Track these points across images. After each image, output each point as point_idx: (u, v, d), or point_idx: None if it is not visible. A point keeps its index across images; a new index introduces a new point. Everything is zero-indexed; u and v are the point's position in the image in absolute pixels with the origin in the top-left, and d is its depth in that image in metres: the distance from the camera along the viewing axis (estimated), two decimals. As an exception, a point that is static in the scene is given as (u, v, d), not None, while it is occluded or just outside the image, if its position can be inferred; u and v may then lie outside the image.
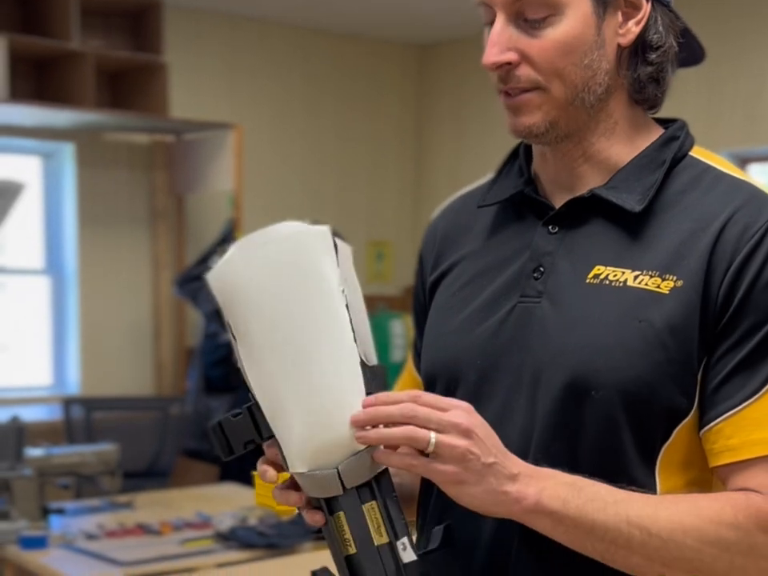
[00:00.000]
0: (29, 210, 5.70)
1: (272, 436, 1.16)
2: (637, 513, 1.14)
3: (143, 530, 3.53)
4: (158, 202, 5.94)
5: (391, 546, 1.15)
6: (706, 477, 1.23)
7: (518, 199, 1.36)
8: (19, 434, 3.63)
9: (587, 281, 1.26)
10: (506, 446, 1.17)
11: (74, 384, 5.81)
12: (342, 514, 1.16)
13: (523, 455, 1.19)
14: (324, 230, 1.17)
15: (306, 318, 1.14)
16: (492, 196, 1.39)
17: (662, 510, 1.15)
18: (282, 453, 1.15)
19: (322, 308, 1.14)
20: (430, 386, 1.37)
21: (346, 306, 1.15)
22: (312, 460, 1.14)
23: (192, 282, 5.39)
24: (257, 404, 1.16)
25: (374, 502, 1.15)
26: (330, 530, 1.17)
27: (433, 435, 1.10)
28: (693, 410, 1.21)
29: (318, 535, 1.19)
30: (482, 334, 1.31)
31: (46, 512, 3.63)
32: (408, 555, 1.15)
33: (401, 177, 6.95)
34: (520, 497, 1.13)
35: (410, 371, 1.50)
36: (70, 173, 5.75)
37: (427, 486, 1.35)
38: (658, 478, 1.21)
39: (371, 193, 6.84)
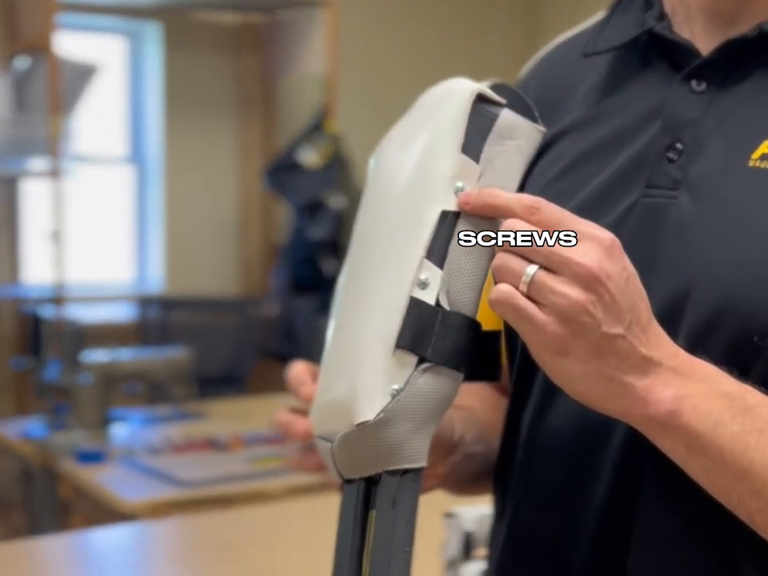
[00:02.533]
0: (112, 94, 5.49)
1: None
2: None
3: (211, 444, 3.26)
4: (246, 87, 5.73)
5: None
6: None
7: (644, 43, 0.94)
8: (77, 337, 3.37)
9: (750, 163, 0.85)
10: (606, 431, 0.85)
11: (155, 281, 5.62)
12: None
13: (635, 452, 0.85)
14: (468, 89, 0.87)
15: (391, 218, 0.86)
16: (605, 40, 0.97)
17: None
18: None
19: (409, 205, 0.85)
20: (510, 340, 0.99)
21: (448, 214, 0.82)
22: (318, 419, 0.89)
23: (282, 172, 5.11)
24: None
25: (373, 513, 0.80)
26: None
27: (532, 268, 0.75)
28: None
29: None
30: None
31: (108, 422, 3.37)
32: None
33: (508, 55, 6.42)
34: (649, 397, 0.77)
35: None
36: (156, 55, 5.54)
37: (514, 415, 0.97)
38: None
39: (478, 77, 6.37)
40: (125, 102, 5.60)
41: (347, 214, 4.78)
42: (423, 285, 0.80)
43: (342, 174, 4.95)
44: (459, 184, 0.83)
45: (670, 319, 0.83)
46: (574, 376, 0.76)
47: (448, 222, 0.81)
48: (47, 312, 4.53)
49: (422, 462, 0.81)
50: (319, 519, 1.67)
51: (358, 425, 0.79)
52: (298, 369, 0.94)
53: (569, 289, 0.74)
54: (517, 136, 0.88)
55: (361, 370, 0.81)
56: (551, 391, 0.90)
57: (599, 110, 0.96)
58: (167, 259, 5.57)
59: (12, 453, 3.91)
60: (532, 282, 0.74)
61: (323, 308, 4.32)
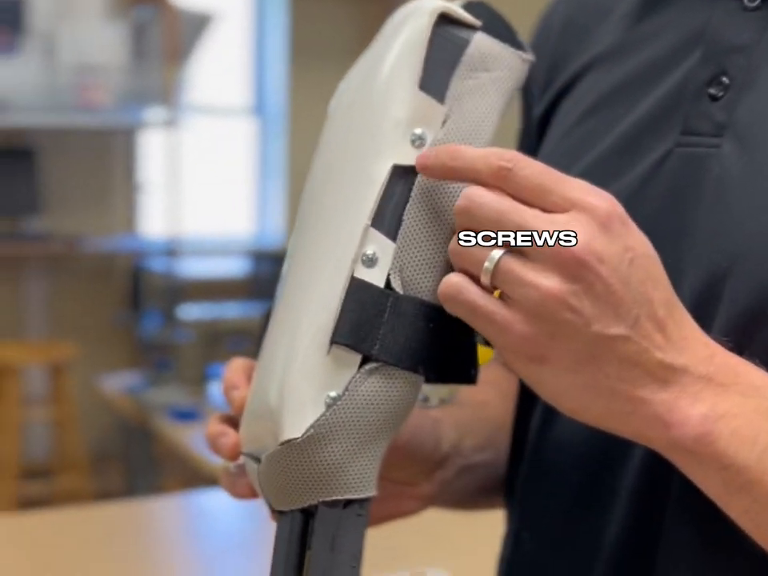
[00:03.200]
0: (235, 44, 5.40)
1: None
2: None
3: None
4: (372, 34, 5.26)
5: None
6: None
7: None
8: (178, 291, 3.30)
9: None
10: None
11: (275, 236, 5.50)
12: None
13: (660, 458, 0.63)
14: (429, 7, 0.67)
15: (338, 175, 0.67)
16: None
17: None
18: None
19: (356, 158, 0.65)
20: None
21: (403, 169, 0.63)
22: (246, 432, 0.68)
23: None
24: None
25: (307, 554, 0.62)
26: None
27: (497, 253, 0.57)
28: None
29: None
30: None
31: (207, 379, 3.31)
32: None
33: None
34: (670, 417, 0.58)
35: None
36: (280, 2, 5.44)
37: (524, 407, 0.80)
38: None
39: None
40: (248, 51, 5.52)
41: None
42: (369, 261, 0.61)
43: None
44: (418, 131, 0.63)
45: (703, 307, 0.65)
46: (561, 389, 0.58)
47: (402, 180, 0.62)
48: (160, 265, 4.49)
49: (368, 492, 0.62)
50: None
51: (283, 443, 0.60)
52: (233, 367, 0.74)
53: (542, 277, 0.55)
54: (493, 67, 0.67)
55: (291, 372, 0.62)
56: None
57: (631, 38, 0.77)
58: (288, 214, 5.49)
59: (111, 408, 3.89)
60: (496, 270, 0.56)
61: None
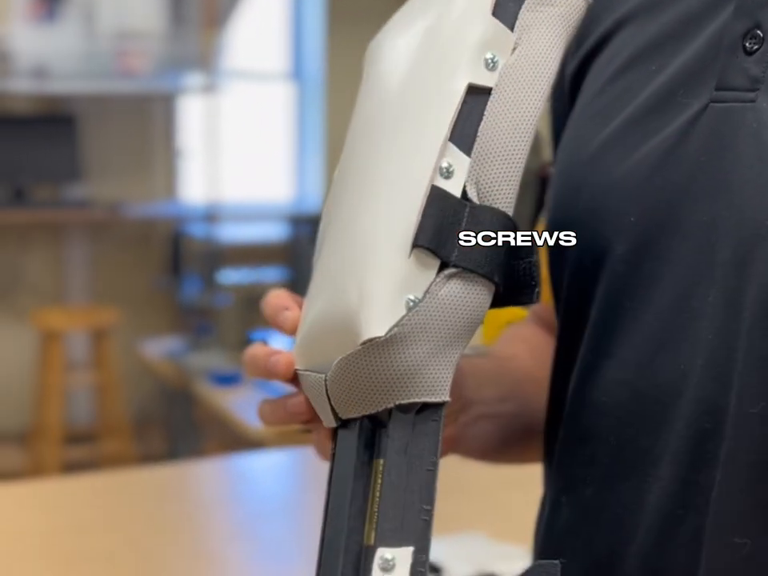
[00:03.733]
0: (273, 9, 5.39)
1: None
2: None
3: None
4: None
5: (366, 556, 0.59)
6: None
7: None
8: (218, 256, 3.32)
9: None
10: (670, 400, 0.66)
11: (313, 201, 5.51)
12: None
13: (706, 423, 0.65)
14: None
15: (401, 100, 0.69)
16: None
17: None
18: None
19: (425, 80, 0.68)
20: (554, 266, 0.81)
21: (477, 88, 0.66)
22: (307, 348, 0.68)
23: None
24: None
25: (380, 462, 0.62)
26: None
27: None
28: None
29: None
30: (642, 164, 0.71)
31: (249, 343, 3.32)
32: None
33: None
34: None
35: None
36: None
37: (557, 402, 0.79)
38: None
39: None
40: (286, 16, 5.48)
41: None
42: (446, 173, 0.63)
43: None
44: (489, 54, 0.65)
45: (744, 258, 0.64)
46: None
47: (477, 98, 0.65)
48: (199, 230, 4.50)
49: (443, 396, 0.62)
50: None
51: (365, 342, 0.61)
52: (277, 294, 0.73)
53: None
54: (557, 3, 0.69)
55: (367, 276, 0.62)
56: (601, 347, 0.71)
57: None
58: (326, 178, 5.48)
59: (152, 372, 3.92)
60: None
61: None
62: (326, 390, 0.63)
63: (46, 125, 4.79)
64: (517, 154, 0.64)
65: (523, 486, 1.06)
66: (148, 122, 5.01)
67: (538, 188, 1.01)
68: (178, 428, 3.64)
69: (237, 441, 2.86)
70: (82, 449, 4.20)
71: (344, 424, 0.64)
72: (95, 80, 4.60)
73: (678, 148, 0.69)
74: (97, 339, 4.27)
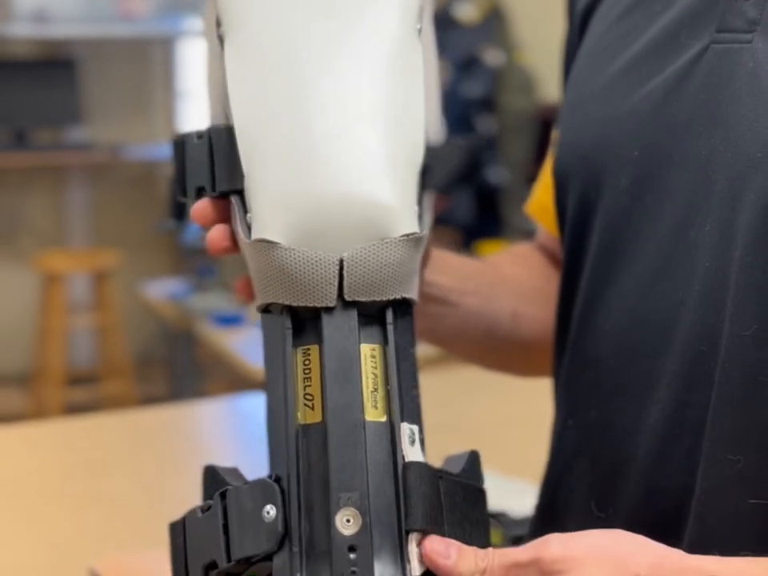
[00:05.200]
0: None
1: (236, 190, 0.68)
2: None
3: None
4: None
5: (390, 429, 0.62)
6: None
7: None
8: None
9: None
10: (668, 325, 0.69)
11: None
12: (316, 347, 0.63)
13: (702, 346, 0.68)
14: None
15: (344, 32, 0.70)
16: None
17: None
18: (244, 216, 0.66)
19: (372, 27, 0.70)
20: (560, 197, 0.83)
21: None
22: (296, 226, 0.64)
23: (437, 30, 4.84)
24: (227, 128, 0.70)
25: (378, 348, 0.64)
26: (284, 365, 0.63)
27: None
28: None
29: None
30: (645, 101, 0.74)
31: (249, 285, 3.33)
32: (414, 453, 0.62)
33: None
34: None
35: (548, 171, 0.92)
36: None
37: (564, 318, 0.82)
38: None
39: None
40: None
41: (504, 70, 4.55)
42: None
43: (500, 28, 4.70)
44: None
45: (739, 190, 0.66)
46: None
47: None
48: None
49: (417, 296, 0.67)
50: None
51: (406, 235, 0.63)
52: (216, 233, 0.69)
53: None
54: None
55: (392, 174, 0.65)
56: (603, 277, 0.74)
57: None
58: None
59: (154, 314, 3.93)
60: None
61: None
62: (341, 268, 0.63)
63: (46, 68, 4.77)
64: None
65: (525, 423, 1.07)
66: (148, 65, 4.99)
67: (536, 129, 1.02)
68: (180, 369, 3.66)
69: (239, 381, 2.89)
70: (84, 390, 4.22)
71: (338, 304, 0.64)
72: (95, 24, 4.59)
73: (680, 86, 0.72)
74: (98, 281, 4.29)
